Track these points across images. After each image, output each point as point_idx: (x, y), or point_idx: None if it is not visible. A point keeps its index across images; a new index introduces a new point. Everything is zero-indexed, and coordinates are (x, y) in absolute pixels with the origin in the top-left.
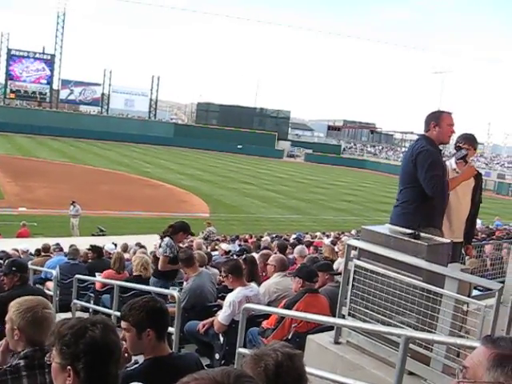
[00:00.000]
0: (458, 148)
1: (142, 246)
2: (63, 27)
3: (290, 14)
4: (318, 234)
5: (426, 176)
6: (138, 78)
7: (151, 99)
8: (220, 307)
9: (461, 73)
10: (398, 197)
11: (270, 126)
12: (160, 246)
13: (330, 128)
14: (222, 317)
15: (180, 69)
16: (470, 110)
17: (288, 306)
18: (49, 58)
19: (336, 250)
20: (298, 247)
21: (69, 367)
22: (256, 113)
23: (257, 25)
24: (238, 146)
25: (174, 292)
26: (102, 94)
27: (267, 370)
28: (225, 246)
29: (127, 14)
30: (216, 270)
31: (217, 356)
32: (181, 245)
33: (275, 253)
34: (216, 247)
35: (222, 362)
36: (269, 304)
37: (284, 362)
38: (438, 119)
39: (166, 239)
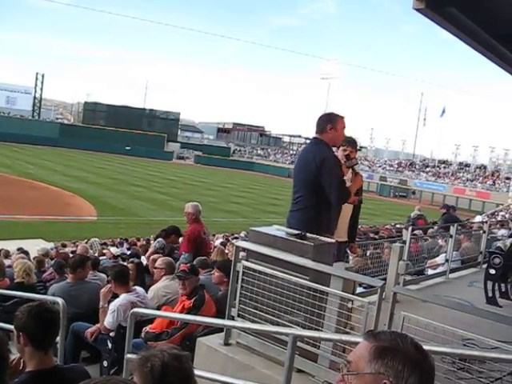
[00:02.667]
0: (347, 156)
1: (24, 252)
2: None
3: (181, 16)
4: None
5: (333, 183)
6: (21, 75)
7: (35, 97)
8: None
9: (346, 79)
10: (296, 201)
11: (159, 128)
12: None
13: (219, 130)
14: (106, 322)
15: (66, 67)
16: (354, 115)
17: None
18: None
19: (226, 251)
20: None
21: None
22: (145, 114)
23: (148, 24)
24: (127, 148)
25: (57, 299)
26: None
27: (153, 370)
28: (114, 250)
29: None
30: (103, 275)
31: (105, 363)
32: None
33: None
34: (104, 251)
35: (111, 369)
36: (158, 308)
37: (170, 363)
38: (334, 122)
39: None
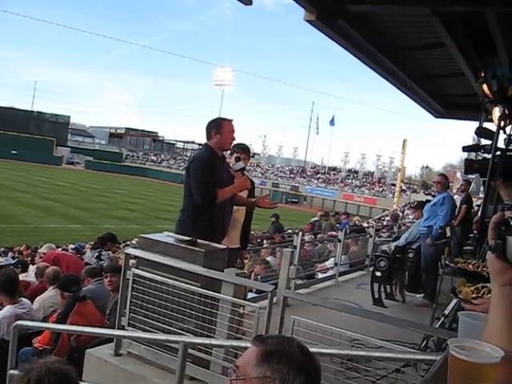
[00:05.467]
0: (237, 159)
1: None
2: None
3: (73, 16)
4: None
5: (195, 185)
6: None
7: None
8: None
9: (240, 87)
10: (182, 204)
11: (48, 131)
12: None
13: (111, 135)
14: None
15: None
16: (247, 122)
17: (61, 320)
18: None
19: (119, 259)
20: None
21: None
22: (33, 116)
23: (36, 23)
24: (13, 152)
25: None
26: None
27: None
28: None
29: None
30: None
31: None
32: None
33: None
34: None
35: None
36: (44, 320)
37: (47, 377)
38: (218, 127)
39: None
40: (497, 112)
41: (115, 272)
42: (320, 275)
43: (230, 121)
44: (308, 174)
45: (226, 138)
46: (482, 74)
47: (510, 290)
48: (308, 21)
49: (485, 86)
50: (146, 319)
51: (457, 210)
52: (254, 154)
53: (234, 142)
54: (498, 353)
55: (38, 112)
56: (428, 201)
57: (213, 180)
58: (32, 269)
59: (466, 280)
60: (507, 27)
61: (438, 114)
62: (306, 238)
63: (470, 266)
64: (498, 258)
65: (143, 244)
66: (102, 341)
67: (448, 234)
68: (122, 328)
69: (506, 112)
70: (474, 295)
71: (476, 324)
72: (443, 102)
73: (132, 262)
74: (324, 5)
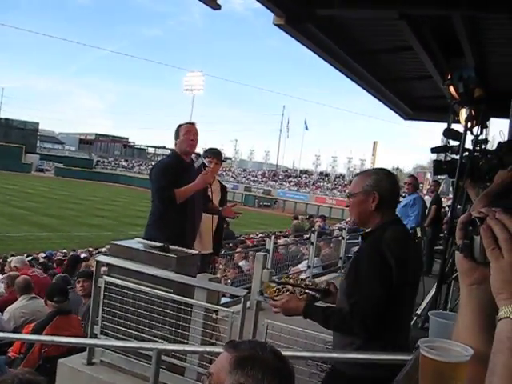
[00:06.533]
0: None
1: None
2: None
3: (42, 22)
4: (65, 251)
5: (154, 189)
6: None
7: None
8: None
9: (211, 92)
10: None
11: (16, 138)
12: None
13: (81, 141)
14: None
15: None
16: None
17: (37, 331)
18: None
19: (92, 266)
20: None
21: None
22: (1, 124)
23: (2, 28)
24: None
25: None
26: None
27: None
28: None
29: None
30: None
31: None
32: None
33: None
34: None
35: None
36: (15, 330)
37: None
38: (178, 131)
39: None
40: (463, 113)
41: (87, 277)
42: None
43: (191, 124)
44: (280, 177)
45: (184, 141)
46: (449, 77)
47: (477, 290)
48: (277, 25)
49: (451, 88)
50: (118, 327)
51: (427, 210)
52: (226, 158)
53: (206, 147)
54: (468, 351)
55: (5, 119)
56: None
57: (170, 183)
58: (0, 278)
59: (268, 282)
60: (473, 30)
61: (408, 116)
62: (281, 241)
63: (292, 281)
64: (466, 257)
65: (115, 251)
66: (78, 350)
67: (419, 234)
68: (95, 336)
69: (473, 113)
70: (275, 294)
71: (446, 323)
72: (412, 104)
73: (104, 269)
74: (293, 9)
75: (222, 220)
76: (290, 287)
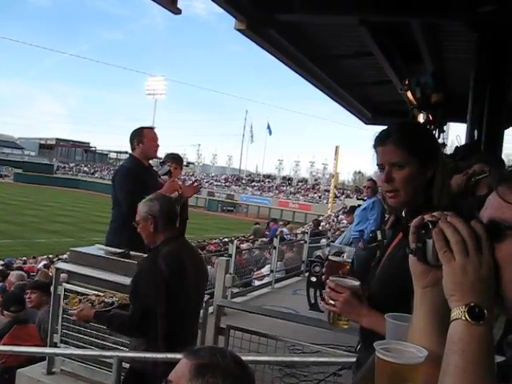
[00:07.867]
0: (162, 163)
1: None
2: None
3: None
4: (24, 258)
5: (121, 195)
6: None
7: None
8: None
9: (174, 96)
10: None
11: None
12: None
13: (41, 146)
14: None
15: None
16: (181, 132)
17: None
18: None
19: (50, 274)
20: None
21: None
22: None
23: None
24: None
25: None
26: None
27: None
28: None
29: None
30: None
31: None
32: None
33: None
34: None
35: None
36: None
37: None
38: (140, 136)
39: None
40: (421, 118)
41: (34, 288)
42: (257, 282)
43: (152, 128)
44: (243, 182)
45: (149, 147)
46: (407, 82)
47: (430, 292)
48: (239, 30)
49: (409, 93)
50: (79, 335)
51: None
52: (189, 163)
53: (167, 152)
54: (422, 353)
55: None
56: (359, 205)
57: (137, 188)
58: None
59: (74, 295)
60: (431, 37)
61: (368, 121)
62: (244, 245)
63: (93, 297)
64: (419, 260)
65: (74, 258)
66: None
67: (379, 237)
68: (55, 345)
69: (430, 118)
70: (76, 304)
71: (402, 325)
72: (373, 108)
73: (63, 276)
74: (254, 14)
75: (183, 226)
76: (93, 298)
